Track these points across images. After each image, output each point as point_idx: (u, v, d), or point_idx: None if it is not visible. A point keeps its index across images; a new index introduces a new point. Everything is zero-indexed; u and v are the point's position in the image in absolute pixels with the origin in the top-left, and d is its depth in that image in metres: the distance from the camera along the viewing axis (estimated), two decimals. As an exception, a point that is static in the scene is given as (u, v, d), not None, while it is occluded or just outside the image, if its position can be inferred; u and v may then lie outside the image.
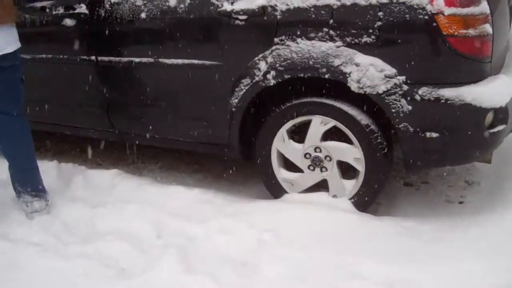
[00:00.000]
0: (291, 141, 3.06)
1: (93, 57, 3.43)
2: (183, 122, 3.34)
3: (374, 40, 2.71)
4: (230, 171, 3.68)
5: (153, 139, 3.50)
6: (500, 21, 2.84)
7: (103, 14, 3.32)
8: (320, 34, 2.82)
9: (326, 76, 2.80)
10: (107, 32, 3.35)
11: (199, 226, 2.84)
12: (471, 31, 2.60)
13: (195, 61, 3.13)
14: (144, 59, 3.27)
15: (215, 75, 3.10)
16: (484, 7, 2.62)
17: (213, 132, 3.25)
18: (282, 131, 3.04)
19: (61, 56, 3.56)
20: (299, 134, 3.07)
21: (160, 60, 3.22)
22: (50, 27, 3.56)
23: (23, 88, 3.10)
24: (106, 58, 3.40)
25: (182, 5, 3.10)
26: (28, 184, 3.15)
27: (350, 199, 2.99)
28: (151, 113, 3.41)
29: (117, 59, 3.36)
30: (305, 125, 3.00)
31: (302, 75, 2.88)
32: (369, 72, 2.71)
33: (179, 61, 3.17)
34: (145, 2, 3.21)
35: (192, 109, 3.26)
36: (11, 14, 2.92)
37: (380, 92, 2.71)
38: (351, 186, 3.00)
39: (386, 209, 3.21)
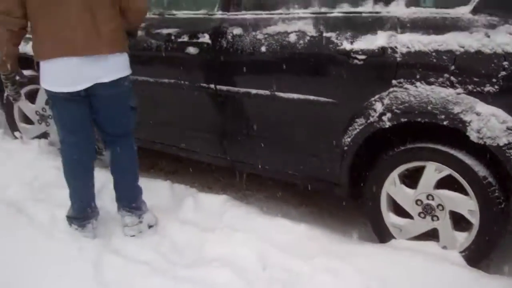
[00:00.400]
0: (402, 185, 3.01)
1: (212, 85, 3.55)
2: (295, 156, 3.38)
3: (497, 90, 2.61)
4: (336, 208, 3.67)
5: (263, 169, 3.57)
6: None
7: (224, 45, 3.44)
8: (440, 79, 2.76)
9: (445, 123, 2.74)
10: (227, 62, 3.46)
11: (304, 263, 2.84)
12: None
13: (311, 97, 3.16)
14: (261, 91, 3.34)
15: (330, 112, 3.11)
16: None
17: (323, 168, 3.27)
18: (394, 175, 3.00)
19: (182, 82, 3.70)
20: (410, 178, 3.02)
21: (276, 93, 3.28)
22: (174, 53, 3.70)
23: (134, 115, 3.25)
24: (224, 87, 3.50)
25: (301, 41, 3.15)
26: (124, 200, 3.35)
27: (461, 252, 2.89)
28: (264, 144, 3.48)
29: (235, 89, 3.45)
30: (418, 170, 2.94)
31: (419, 119, 2.83)
32: (490, 122, 2.62)
33: (295, 95, 3.21)
34: (266, 36, 3.29)
35: (304, 144, 3.29)
36: (110, 45, 2.98)
37: (501, 144, 2.62)
38: (463, 238, 2.90)
39: (499, 266, 3.05)
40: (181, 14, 3.76)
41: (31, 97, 4.38)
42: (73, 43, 2.90)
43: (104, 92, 3.05)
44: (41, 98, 4.32)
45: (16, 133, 4.51)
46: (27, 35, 3.06)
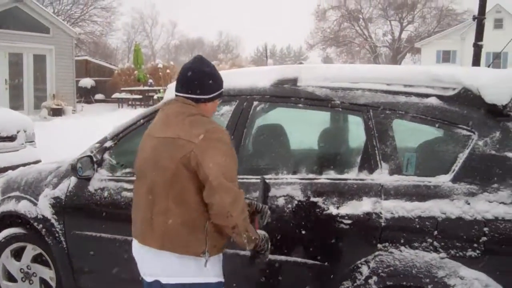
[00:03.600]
0: None
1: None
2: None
3: (479, 254, 2.76)
4: None
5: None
6: None
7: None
8: (424, 244, 2.90)
9: (429, 286, 2.82)
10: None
11: None
12: None
13: (299, 259, 3.24)
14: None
15: (318, 275, 3.18)
16: None
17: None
18: None
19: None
20: None
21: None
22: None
23: None
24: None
25: (290, 205, 3.26)
26: None
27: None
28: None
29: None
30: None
31: (404, 283, 2.91)
32: (474, 286, 2.72)
33: (283, 257, 3.26)
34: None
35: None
36: (161, 240, 2.59)
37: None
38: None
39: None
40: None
41: (17, 254, 4.36)
42: (135, 225, 2.77)
43: None
44: (27, 255, 4.31)
45: (-2, 291, 4.41)
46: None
